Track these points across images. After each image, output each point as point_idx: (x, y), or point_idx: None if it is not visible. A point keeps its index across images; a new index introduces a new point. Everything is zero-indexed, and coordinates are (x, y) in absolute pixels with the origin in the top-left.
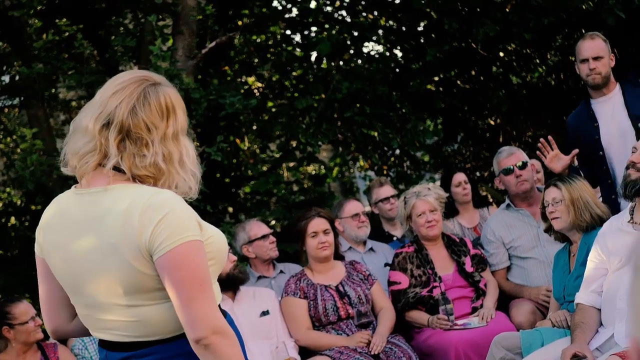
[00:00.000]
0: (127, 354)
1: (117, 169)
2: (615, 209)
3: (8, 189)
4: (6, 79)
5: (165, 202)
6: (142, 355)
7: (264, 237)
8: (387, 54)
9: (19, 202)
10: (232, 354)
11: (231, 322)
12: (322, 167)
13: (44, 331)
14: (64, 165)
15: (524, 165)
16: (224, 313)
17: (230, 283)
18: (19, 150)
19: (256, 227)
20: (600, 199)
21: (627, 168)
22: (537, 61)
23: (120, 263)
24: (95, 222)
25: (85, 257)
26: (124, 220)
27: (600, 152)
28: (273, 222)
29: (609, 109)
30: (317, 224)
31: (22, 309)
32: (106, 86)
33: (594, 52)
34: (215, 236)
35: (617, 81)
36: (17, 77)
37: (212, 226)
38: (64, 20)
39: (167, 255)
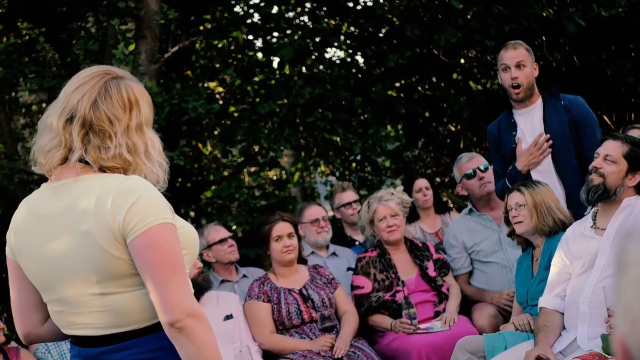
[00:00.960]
0: (103, 349)
1: (85, 161)
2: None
3: None
4: None
5: (137, 186)
6: (117, 351)
7: (221, 241)
8: (349, 59)
9: None
10: (206, 339)
11: None
12: (284, 172)
13: (6, 335)
14: (33, 164)
15: (485, 169)
16: None
17: (194, 289)
18: None
19: (214, 232)
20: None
21: (590, 173)
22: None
23: (94, 249)
24: (67, 211)
25: (58, 248)
26: (96, 206)
27: (515, 162)
28: (235, 227)
29: (529, 122)
30: (282, 228)
31: None
32: (69, 82)
33: (517, 59)
34: (185, 227)
35: (540, 93)
36: None
37: (182, 219)
38: (26, 23)
39: (141, 237)
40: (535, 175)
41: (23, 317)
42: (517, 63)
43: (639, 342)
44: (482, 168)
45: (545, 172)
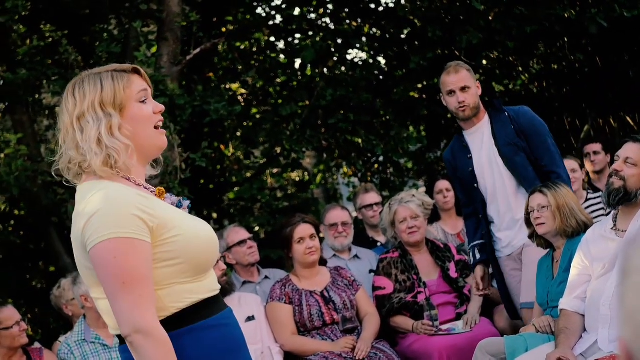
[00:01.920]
0: (121, 347)
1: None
2: (487, 242)
3: None
4: None
5: (97, 199)
6: (124, 351)
7: (240, 242)
8: (371, 61)
9: (3, 208)
10: (154, 355)
11: (236, 324)
12: (306, 173)
13: (29, 336)
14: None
15: None
16: (229, 310)
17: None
18: (3, 156)
19: (233, 234)
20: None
21: (610, 176)
22: (520, 69)
23: (78, 257)
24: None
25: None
26: (74, 218)
27: (475, 184)
28: (257, 228)
29: (479, 140)
30: (304, 230)
31: (6, 314)
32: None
33: (461, 83)
34: (182, 235)
35: (486, 109)
36: (1, 83)
37: (195, 224)
38: (49, 26)
39: (91, 251)
40: (494, 197)
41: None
42: (462, 86)
43: None
44: None
45: (505, 187)
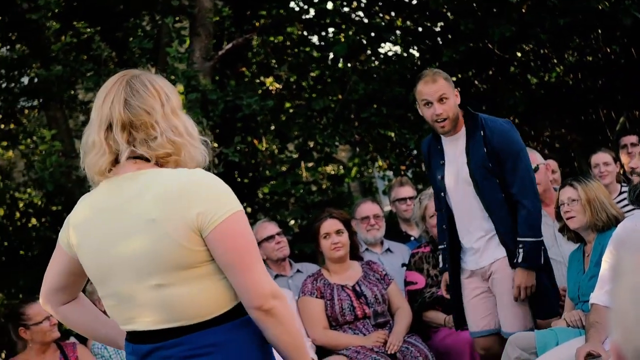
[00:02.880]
0: (154, 345)
1: (138, 157)
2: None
3: (29, 190)
4: (25, 80)
5: (205, 180)
6: (169, 347)
7: (268, 238)
8: (405, 54)
9: (39, 203)
10: (290, 316)
11: None
12: (341, 167)
13: (65, 331)
14: (91, 182)
15: (535, 170)
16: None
17: None
18: (38, 152)
19: (261, 229)
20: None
21: (631, 174)
22: (555, 61)
23: (160, 238)
24: (131, 202)
25: (120, 238)
26: (165, 196)
27: (442, 193)
28: (292, 223)
29: (454, 150)
30: (329, 225)
31: (36, 309)
32: (96, 99)
33: (438, 94)
34: None
35: (465, 121)
36: (35, 79)
37: None
38: (82, 22)
39: (221, 225)
40: (461, 212)
41: (49, 291)
42: (440, 97)
43: (634, 351)
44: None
45: (472, 207)
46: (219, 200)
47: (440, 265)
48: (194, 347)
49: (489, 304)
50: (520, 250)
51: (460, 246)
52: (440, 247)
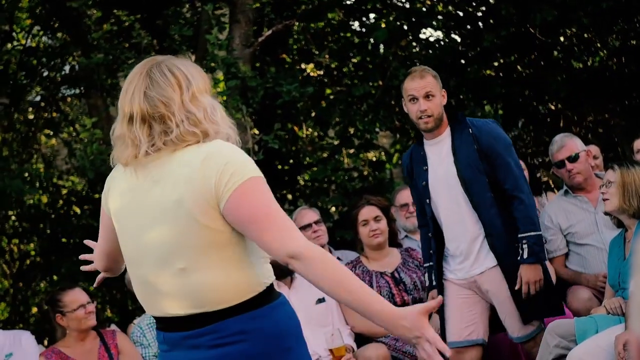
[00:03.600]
0: (184, 334)
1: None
2: (434, 263)
3: (72, 177)
4: (66, 69)
5: (223, 148)
6: (198, 336)
7: (305, 227)
8: (446, 40)
9: (81, 191)
10: (329, 262)
11: (292, 311)
12: (383, 153)
13: (107, 318)
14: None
15: (575, 158)
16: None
17: (287, 271)
18: (79, 139)
19: (300, 217)
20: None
21: None
22: (598, 45)
23: (185, 219)
24: (158, 184)
25: (145, 222)
26: (188, 173)
27: (427, 200)
28: (333, 209)
29: (438, 154)
30: (367, 212)
31: (72, 296)
32: (121, 92)
33: (425, 90)
34: None
35: (449, 122)
36: (76, 67)
37: None
38: (122, 10)
39: (238, 190)
40: (448, 216)
41: (109, 259)
42: (426, 93)
43: None
44: (572, 157)
45: (460, 209)
46: (236, 167)
47: (427, 283)
48: (223, 336)
49: (476, 310)
50: (525, 246)
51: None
52: (425, 265)
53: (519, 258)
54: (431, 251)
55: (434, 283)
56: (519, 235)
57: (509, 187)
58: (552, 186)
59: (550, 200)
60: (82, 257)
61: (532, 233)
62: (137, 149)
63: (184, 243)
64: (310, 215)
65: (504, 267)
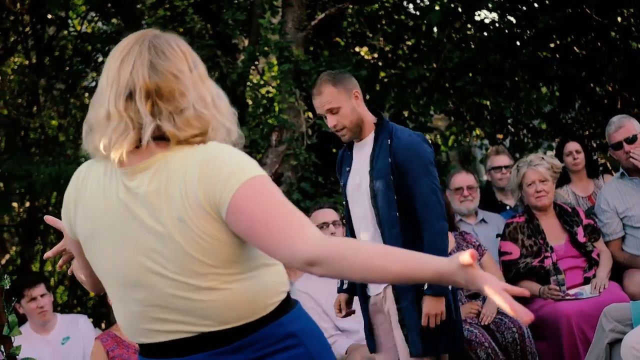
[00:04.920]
0: (211, 352)
1: (159, 138)
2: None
3: None
4: None
5: (216, 154)
6: (234, 351)
7: (322, 225)
8: (501, 21)
9: None
10: (352, 250)
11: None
12: (438, 136)
13: None
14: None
15: (633, 139)
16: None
17: None
18: None
19: (319, 215)
20: None
21: None
22: None
23: (190, 236)
24: (155, 200)
25: (146, 240)
26: (184, 187)
27: (345, 202)
28: None
29: (360, 158)
30: None
31: None
32: (108, 62)
33: (326, 106)
34: None
35: (376, 126)
36: None
37: None
38: None
39: (239, 190)
40: (358, 225)
41: (96, 282)
42: (328, 109)
43: None
44: (630, 138)
45: (367, 221)
46: (233, 170)
47: (338, 285)
48: (270, 343)
49: (381, 331)
50: None
51: None
52: None
53: (422, 288)
54: None
55: (346, 288)
56: None
57: (418, 209)
58: (610, 168)
59: (607, 182)
60: (46, 219)
61: None
62: (138, 134)
63: (189, 261)
64: (327, 215)
65: (395, 293)
